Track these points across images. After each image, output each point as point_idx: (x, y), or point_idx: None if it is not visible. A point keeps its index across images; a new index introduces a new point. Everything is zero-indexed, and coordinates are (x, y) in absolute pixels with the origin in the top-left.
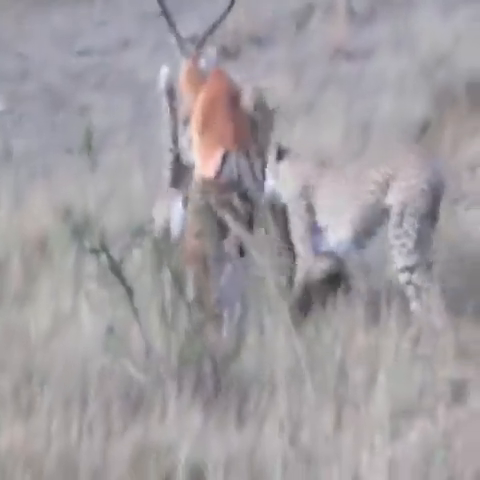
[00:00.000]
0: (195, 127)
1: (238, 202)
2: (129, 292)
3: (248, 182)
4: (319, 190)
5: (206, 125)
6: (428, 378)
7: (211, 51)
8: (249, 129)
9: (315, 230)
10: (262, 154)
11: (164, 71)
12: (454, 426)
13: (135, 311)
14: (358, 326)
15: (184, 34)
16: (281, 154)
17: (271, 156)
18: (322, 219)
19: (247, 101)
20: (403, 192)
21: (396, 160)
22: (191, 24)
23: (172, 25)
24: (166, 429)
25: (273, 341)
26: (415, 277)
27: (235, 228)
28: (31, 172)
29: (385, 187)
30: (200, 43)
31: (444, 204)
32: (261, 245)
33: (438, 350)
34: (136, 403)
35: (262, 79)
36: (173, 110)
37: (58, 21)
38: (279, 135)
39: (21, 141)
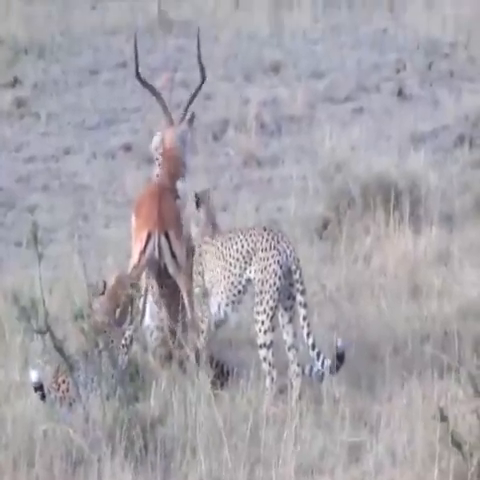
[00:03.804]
0: (133, 213)
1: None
2: (70, 367)
3: (167, 258)
4: (205, 257)
5: (139, 212)
6: (328, 441)
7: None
8: (174, 216)
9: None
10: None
11: (156, 138)
12: None
13: (75, 383)
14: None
15: (117, 142)
16: (198, 203)
17: (191, 206)
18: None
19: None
20: (258, 273)
21: (255, 240)
22: (124, 134)
23: (160, 100)
24: None
25: (195, 408)
26: (270, 355)
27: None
28: None
29: (249, 260)
30: (181, 119)
31: None
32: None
33: (337, 417)
34: (76, 463)
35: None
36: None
37: (7, 132)
38: None
39: None
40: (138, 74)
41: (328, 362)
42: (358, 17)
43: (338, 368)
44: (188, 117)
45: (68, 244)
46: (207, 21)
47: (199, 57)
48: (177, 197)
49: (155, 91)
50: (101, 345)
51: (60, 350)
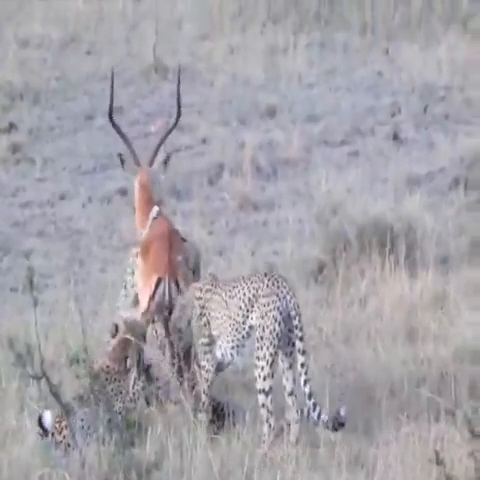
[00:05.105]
0: (140, 256)
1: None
2: (66, 413)
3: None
4: (210, 306)
5: (146, 256)
6: None
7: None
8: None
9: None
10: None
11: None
12: None
13: (72, 428)
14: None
15: (113, 187)
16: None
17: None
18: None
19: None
20: (259, 319)
21: (256, 286)
22: (119, 178)
23: (127, 141)
24: None
25: (191, 453)
26: (268, 401)
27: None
28: None
29: (250, 307)
30: (151, 160)
31: None
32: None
33: (333, 460)
34: None
35: (180, 227)
36: None
37: (3, 178)
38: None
39: None
40: (111, 115)
41: (324, 417)
42: (353, 61)
43: (335, 430)
44: (162, 159)
45: (64, 289)
46: (202, 66)
47: (178, 95)
48: (184, 239)
49: (123, 134)
50: (97, 390)
51: (56, 395)
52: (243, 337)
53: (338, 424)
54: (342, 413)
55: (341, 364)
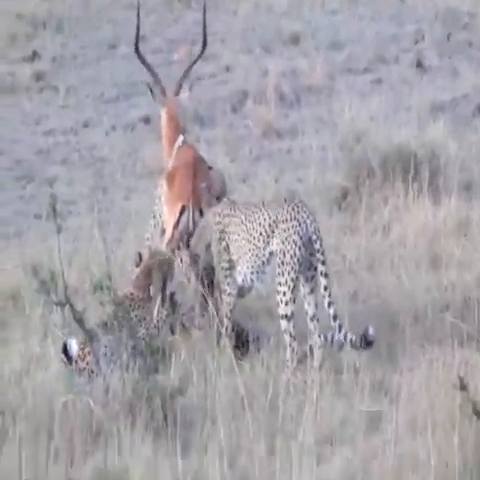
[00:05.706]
0: (165, 184)
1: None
2: (90, 339)
3: None
4: (229, 230)
5: (172, 185)
6: (348, 411)
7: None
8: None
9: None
10: None
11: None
12: (370, 452)
13: (96, 355)
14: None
15: (137, 115)
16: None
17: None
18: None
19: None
20: (280, 244)
21: (276, 212)
22: (143, 106)
23: (152, 71)
24: (121, 457)
25: (215, 378)
26: (290, 326)
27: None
28: (4, 235)
29: (271, 233)
30: (177, 90)
31: None
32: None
33: (357, 387)
34: (96, 434)
35: (203, 154)
36: None
37: (26, 106)
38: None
39: None
40: (137, 46)
41: (351, 336)
42: None
43: (364, 348)
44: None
45: (87, 216)
46: None
47: (204, 25)
48: (210, 167)
49: (148, 65)
50: (121, 316)
51: (80, 322)
52: (263, 263)
53: (366, 343)
54: (370, 332)
55: (365, 291)
